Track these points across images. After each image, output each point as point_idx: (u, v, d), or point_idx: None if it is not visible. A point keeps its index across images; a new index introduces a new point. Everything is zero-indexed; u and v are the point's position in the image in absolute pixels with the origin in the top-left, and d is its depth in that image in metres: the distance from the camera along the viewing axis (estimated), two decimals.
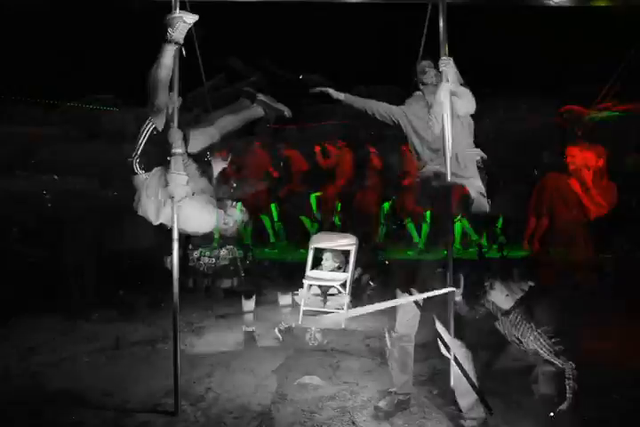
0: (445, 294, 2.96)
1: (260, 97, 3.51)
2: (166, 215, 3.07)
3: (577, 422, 2.87)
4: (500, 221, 6.48)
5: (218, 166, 3.59)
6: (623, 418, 2.93)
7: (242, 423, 2.98)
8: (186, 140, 3.15)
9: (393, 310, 3.17)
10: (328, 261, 4.55)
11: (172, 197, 3.00)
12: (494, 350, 3.34)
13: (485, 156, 3.22)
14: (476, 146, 3.25)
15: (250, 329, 4.25)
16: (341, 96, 3.41)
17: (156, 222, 3.12)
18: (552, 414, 2.88)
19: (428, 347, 3.43)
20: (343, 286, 4.33)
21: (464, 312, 3.13)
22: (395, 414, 3.05)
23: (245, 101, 3.53)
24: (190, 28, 3.01)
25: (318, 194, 7.33)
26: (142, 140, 3.03)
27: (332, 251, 4.57)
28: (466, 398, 2.93)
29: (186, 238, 3.98)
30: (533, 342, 3.01)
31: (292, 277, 4.57)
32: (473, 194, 2.99)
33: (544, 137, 6.05)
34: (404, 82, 3.50)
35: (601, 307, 4.34)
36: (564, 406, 2.88)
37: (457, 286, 3.03)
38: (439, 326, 3.01)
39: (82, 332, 4.50)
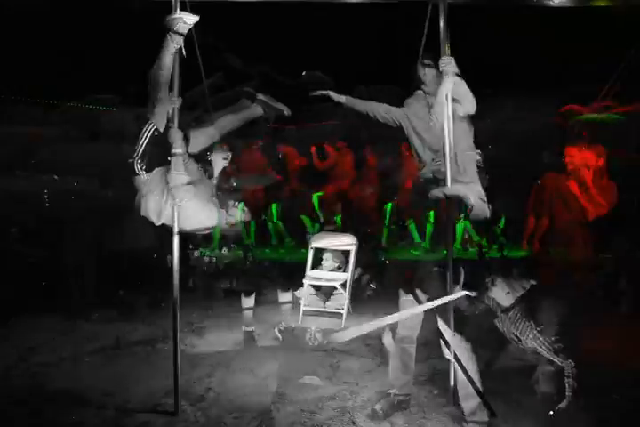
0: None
1: (260, 96, 3.51)
2: (168, 215, 3.08)
3: (577, 421, 2.87)
4: (503, 221, 6.47)
5: (218, 164, 3.58)
6: (623, 418, 2.93)
7: (242, 423, 2.98)
8: (186, 140, 3.15)
9: (395, 309, 3.17)
10: (328, 261, 4.56)
11: (173, 198, 3.01)
12: (494, 349, 3.34)
13: (482, 158, 3.20)
14: (477, 146, 3.24)
15: (250, 329, 4.25)
16: (342, 99, 3.39)
17: (157, 223, 3.12)
18: (552, 412, 2.89)
19: (428, 347, 3.44)
20: (343, 285, 4.34)
21: (464, 307, 3.11)
22: (394, 414, 3.05)
23: (246, 101, 3.53)
24: (190, 29, 3.01)
25: (320, 194, 7.33)
26: (143, 141, 3.03)
27: (332, 251, 4.58)
28: (469, 401, 2.91)
29: (186, 239, 3.99)
30: (532, 340, 3.01)
31: (291, 277, 4.57)
32: (472, 200, 2.96)
33: (544, 137, 6.05)
34: (404, 82, 3.49)
35: (601, 307, 4.34)
36: (563, 405, 2.89)
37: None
38: (442, 327, 3.00)
39: (82, 332, 4.50)
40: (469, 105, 3.07)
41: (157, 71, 2.95)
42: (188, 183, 3.03)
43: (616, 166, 5.19)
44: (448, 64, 3.02)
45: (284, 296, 4.40)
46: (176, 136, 3.05)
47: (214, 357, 3.95)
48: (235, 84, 4.34)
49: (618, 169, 5.19)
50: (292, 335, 4.22)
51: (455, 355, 2.96)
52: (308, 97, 3.44)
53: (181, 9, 3.03)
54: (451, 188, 2.97)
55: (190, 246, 4.35)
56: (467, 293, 2.94)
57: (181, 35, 2.96)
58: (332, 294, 4.44)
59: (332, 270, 4.55)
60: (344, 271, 4.51)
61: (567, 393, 2.89)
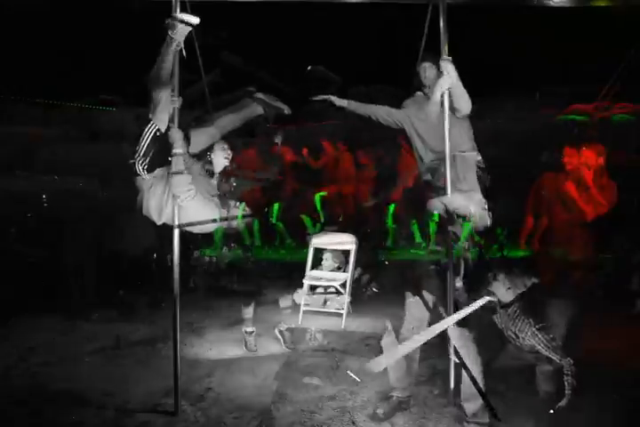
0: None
1: (260, 95, 3.51)
2: (169, 215, 3.08)
3: (576, 421, 2.87)
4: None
5: (219, 163, 3.57)
6: (623, 418, 2.93)
7: (242, 423, 2.98)
8: (187, 140, 3.16)
9: (395, 310, 3.17)
10: (328, 261, 4.56)
11: (174, 197, 3.01)
12: (493, 348, 3.33)
13: (480, 158, 3.20)
14: (477, 146, 3.24)
15: (250, 329, 4.24)
16: (344, 103, 3.40)
17: (159, 222, 3.13)
18: (551, 411, 2.89)
19: (428, 347, 3.43)
20: (343, 286, 4.34)
21: (463, 299, 3.10)
22: (395, 414, 3.05)
23: (247, 100, 3.53)
24: (190, 30, 3.01)
25: (323, 194, 7.31)
26: (145, 142, 3.03)
27: (332, 251, 4.58)
28: (471, 402, 2.91)
29: (187, 238, 3.98)
30: (531, 337, 3.01)
31: (291, 277, 4.57)
32: (473, 209, 2.95)
33: (544, 137, 6.04)
34: (404, 82, 3.50)
35: (601, 307, 4.34)
36: (563, 403, 2.89)
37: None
38: (450, 330, 2.97)
39: (82, 332, 4.50)
40: (465, 105, 3.08)
41: (158, 72, 2.95)
42: (189, 183, 3.03)
43: (616, 166, 5.19)
44: (447, 64, 3.03)
45: (285, 301, 4.40)
46: (176, 136, 3.05)
47: (214, 357, 3.95)
48: (234, 82, 4.34)
49: (618, 169, 5.19)
50: (292, 336, 4.22)
51: (460, 356, 2.96)
52: (308, 101, 3.45)
53: (181, 9, 3.03)
54: (450, 198, 2.96)
55: (190, 246, 4.34)
56: (490, 299, 2.94)
57: (182, 36, 2.96)
58: (332, 294, 4.44)
59: (332, 270, 4.55)
60: (344, 271, 4.51)
61: (567, 391, 2.89)
